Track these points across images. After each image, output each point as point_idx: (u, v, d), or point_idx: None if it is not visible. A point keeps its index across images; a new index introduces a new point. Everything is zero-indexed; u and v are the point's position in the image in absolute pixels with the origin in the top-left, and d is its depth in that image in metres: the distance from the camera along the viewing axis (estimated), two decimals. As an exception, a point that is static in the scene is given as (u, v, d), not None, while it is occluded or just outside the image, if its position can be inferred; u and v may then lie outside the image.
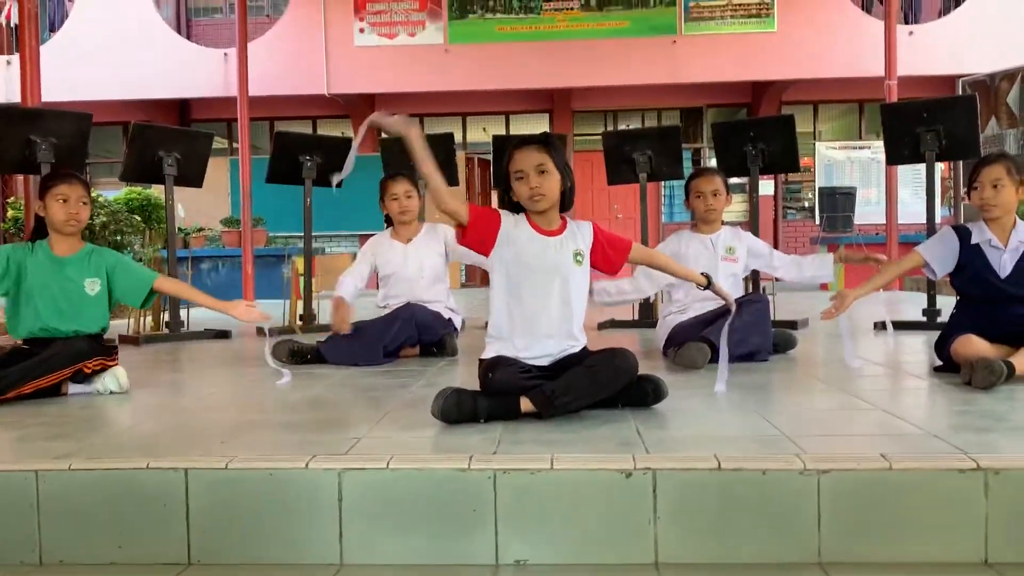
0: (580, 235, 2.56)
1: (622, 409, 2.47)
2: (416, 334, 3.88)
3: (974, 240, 3.10)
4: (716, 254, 3.74)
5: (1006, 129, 9.37)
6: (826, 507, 1.79)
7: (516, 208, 2.53)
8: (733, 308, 2.80)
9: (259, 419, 2.50)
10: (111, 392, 3.02)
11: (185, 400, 3.02)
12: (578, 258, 2.53)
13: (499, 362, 2.45)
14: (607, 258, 2.60)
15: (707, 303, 3.64)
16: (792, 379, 3.16)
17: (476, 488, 1.84)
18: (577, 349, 2.55)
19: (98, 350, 3.07)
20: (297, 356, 3.77)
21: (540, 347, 2.50)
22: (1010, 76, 9.31)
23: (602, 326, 5.28)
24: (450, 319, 4.10)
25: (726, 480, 1.82)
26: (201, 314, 6.85)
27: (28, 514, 1.91)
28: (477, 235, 2.47)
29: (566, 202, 2.52)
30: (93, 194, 8.30)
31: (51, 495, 1.92)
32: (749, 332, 3.46)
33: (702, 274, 2.77)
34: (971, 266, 3.09)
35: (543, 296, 2.48)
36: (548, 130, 13.28)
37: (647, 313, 5.40)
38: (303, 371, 3.56)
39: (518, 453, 1.95)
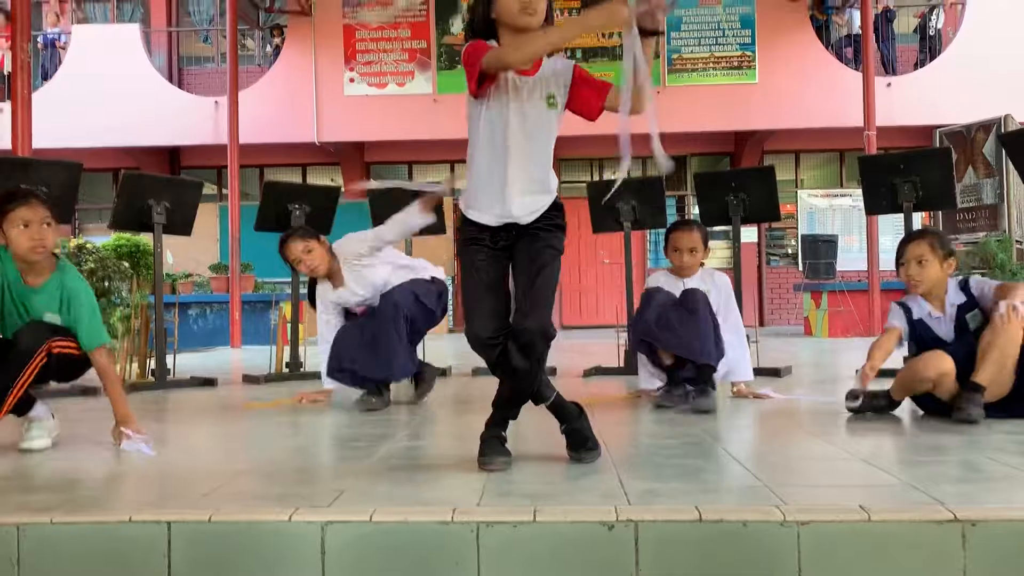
0: (556, 76, 2.40)
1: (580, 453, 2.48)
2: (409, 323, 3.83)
3: (916, 316, 3.25)
4: None
5: (983, 179, 9.56)
6: (807, 558, 1.80)
7: (488, 36, 2.36)
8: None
9: (242, 469, 2.50)
10: (38, 449, 2.82)
11: (169, 450, 3.00)
12: (551, 101, 2.38)
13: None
14: (585, 99, 2.43)
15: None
16: (774, 428, 3.18)
17: (459, 541, 1.85)
18: (547, 205, 2.44)
19: (67, 334, 2.90)
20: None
21: (509, 199, 2.38)
22: (986, 127, 9.52)
23: (587, 373, 5.30)
24: (433, 278, 4.02)
25: (707, 532, 1.83)
26: (187, 362, 6.83)
27: (8, 570, 1.89)
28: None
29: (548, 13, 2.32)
30: (80, 240, 8.34)
31: (33, 550, 1.90)
32: (690, 335, 3.57)
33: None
34: (921, 341, 3.24)
35: (512, 138, 2.35)
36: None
37: (632, 360, 5.42)
38: (287, 420, 3.56)
39: (501, 505, 1.96)
